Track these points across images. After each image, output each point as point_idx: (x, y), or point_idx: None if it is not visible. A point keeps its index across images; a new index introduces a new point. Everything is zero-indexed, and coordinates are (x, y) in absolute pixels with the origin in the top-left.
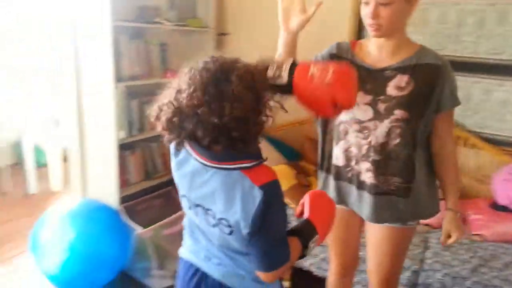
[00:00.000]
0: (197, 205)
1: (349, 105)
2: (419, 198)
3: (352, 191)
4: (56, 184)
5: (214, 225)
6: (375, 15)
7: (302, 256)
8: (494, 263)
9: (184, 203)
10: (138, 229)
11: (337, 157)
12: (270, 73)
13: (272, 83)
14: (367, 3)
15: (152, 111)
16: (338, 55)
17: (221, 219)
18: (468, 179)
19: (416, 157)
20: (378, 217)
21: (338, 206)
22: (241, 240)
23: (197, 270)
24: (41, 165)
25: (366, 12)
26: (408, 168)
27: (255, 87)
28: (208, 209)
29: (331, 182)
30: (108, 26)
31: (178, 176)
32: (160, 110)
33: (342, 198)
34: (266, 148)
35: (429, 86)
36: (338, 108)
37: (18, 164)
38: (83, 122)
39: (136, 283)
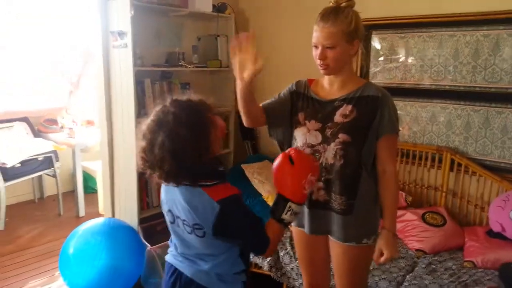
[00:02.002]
0: (178, 217)
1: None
2: (362, 216)
3: (305, 212)
4: (102, 208)
5: (190, 233)
6: (323, 57)
7: (287, 224)
8: None
9: (169, 217)
10: (149, 246)
11: None
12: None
13: None
14: (316, 47)
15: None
16: (296, 91)
17: (194, 224)
18: (470, 206)
19: (361, 178)
20: (327, 230)
21: (299, 228)
22: (214, 241)
23: (175, 269)
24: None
25: (315, 54)
26: (351, 187)
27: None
28: (184, 220)
29: None
30: (130, 71)
31: (166, 193)
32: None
33: (299, 220)
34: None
35: (369, 114)
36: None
37: (74, 191)
38: (112, 152)
39: None
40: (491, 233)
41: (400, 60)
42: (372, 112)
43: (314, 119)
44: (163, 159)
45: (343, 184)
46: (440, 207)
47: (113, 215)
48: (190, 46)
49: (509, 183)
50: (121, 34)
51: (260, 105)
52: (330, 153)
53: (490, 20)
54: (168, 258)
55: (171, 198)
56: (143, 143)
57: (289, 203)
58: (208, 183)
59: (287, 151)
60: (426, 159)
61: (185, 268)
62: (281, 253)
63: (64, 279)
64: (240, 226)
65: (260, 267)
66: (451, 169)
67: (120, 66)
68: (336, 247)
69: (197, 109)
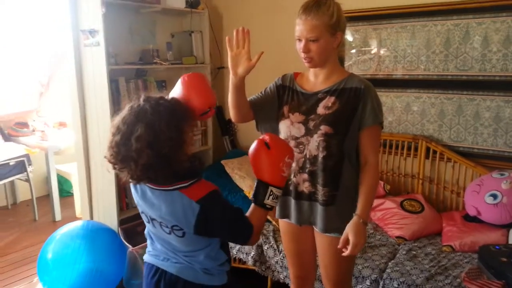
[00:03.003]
0: (153, 219)
1: None
2: (344, 207)
3: (291, 203)
4: (78, 211)
5: (168, 233)
6: (307, 50)
7: (270, 209)
8: (452, 272)
9: (144, 217)
10: (130, 248)
11: None
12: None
13: None
14: (300, 40)
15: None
16: (282, 85)
17: (173, 226)
18: (446, 192)
19: (343, 169)
20: (312, 221)
21: (285, 220)
22: (195, 238)
23: (158, 269)
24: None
25: (299, 47)
26: (334, 178)
27: (159, 130)
28: (161, 222)
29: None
30: (104, 70)
31: (138, 196)
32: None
33: (286, 212)
34: None
35: (351, 106)
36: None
37: (48, 195)
38: (88, 154)
39: None
40: (467, 217)
41: (373, 51)
42: (354, 104)
43: (297, 112)
44: (140, 151)
45: (326, 175)
46: (418, 194)
47: (92, 218)
48: (164, 43)
49: (483, 168)
50: (92, 32)
51: (247, 100)
52: (313, 145)
53: (460, 9)
54: (148, 258)
55: (142, 200)
56: (116, 137)
57: (270, 187)
58: (184, 184)
59: (261, 137)
60: (403, 148)
61: (169, 266)
62: (265, 247)
63: (44, 285)
64: (222, 221)
65: (244, 262)
66: (427, 156)
67: (93, 65)
68: (320, 239)
69: (172, 104)
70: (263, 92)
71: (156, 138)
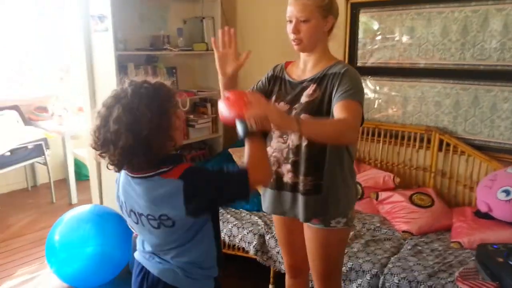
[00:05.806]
0: (141, 214)
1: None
2: (328, 198)
3: (273, 194)
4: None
5: (157, 227)
6: (296, 30)
7: (258, 134)
8: (457, 269)
9: (132, 219)
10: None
11: None
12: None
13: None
14: (290, 21)
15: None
16: (274, 75)
17: (161, 216)
18: (459, 186)
19: (326, 158)
20: (295, 212)
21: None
22: (186, 223)
23: (143, 268)
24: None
25: (289, 29)
26: (318, 167)
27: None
28: (148, 215)
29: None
30: (112, 56)
31: (124, 193)
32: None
33: (271, 204)
34: None
35: (329, 91)
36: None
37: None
38: None
39: None
40: (478, 214)
41: (388, 39)
42: (331, 89)
43: (283, 101)
44: (118, 133)
45: (310, 164)
46: (429, 188)
47: (101, 202)
48: (175, 29)
49: (498, 163)
50: (101, 17)
51: None
52: (295, 135)
53: None
54: (136, 255)
55: (130, 196)
56: (97, 121)
57: (246, 123)
58: (165, 169)
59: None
60: (415, 139)
61: (152, 267)
62: (267, 237)
63: (51, 266)
64: (212, 182)
65: (247, 252)
66: (440, 149)
67: (102, 51)
68: (307, 230)
69: (155, 86)
70: (255, 87)
71: (135, 120)
